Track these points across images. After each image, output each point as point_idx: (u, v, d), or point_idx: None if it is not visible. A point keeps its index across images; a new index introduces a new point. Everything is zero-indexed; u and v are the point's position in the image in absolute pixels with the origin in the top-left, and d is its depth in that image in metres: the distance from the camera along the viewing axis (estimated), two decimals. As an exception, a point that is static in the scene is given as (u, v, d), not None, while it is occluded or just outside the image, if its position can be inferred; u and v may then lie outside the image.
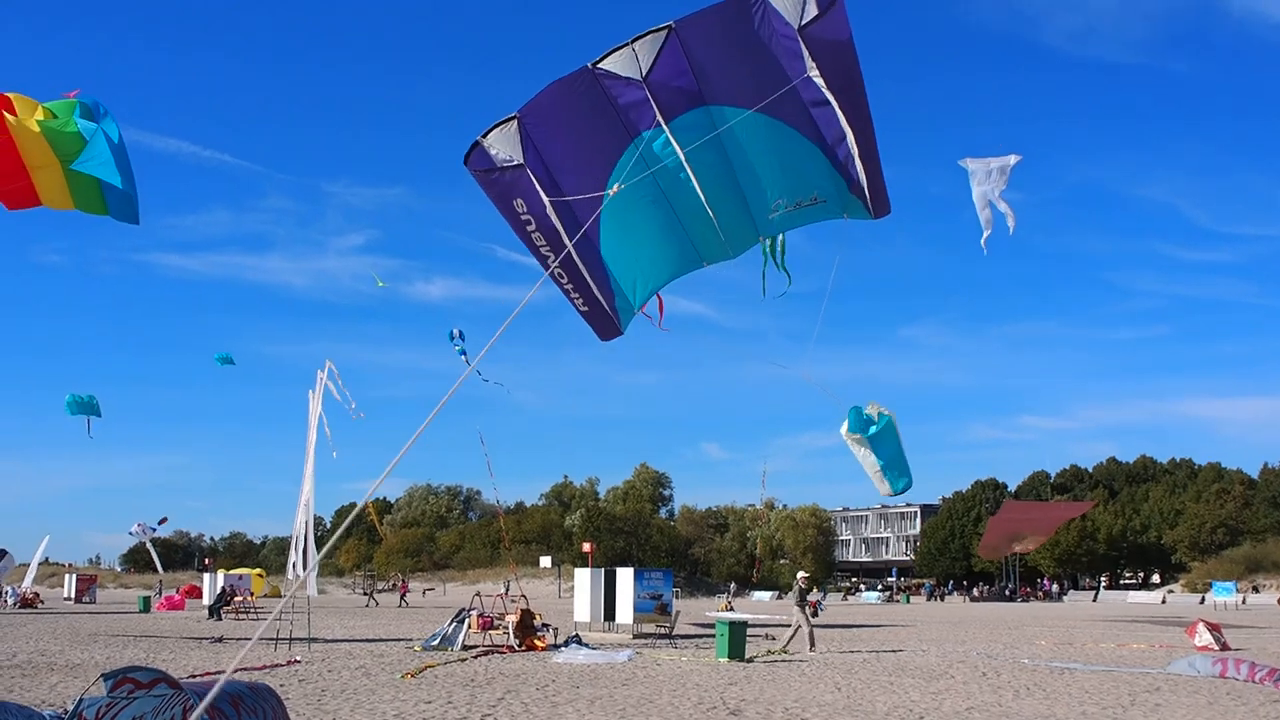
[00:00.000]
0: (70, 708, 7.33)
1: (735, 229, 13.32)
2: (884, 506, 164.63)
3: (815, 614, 29.22)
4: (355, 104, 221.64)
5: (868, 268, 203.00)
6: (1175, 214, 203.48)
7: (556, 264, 12.69)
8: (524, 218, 12.65)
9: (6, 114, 15.97)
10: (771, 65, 11.76)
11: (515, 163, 12.37)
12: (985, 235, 13.66)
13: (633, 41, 11.70)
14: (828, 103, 11.79)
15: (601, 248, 13.08)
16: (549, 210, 12.57)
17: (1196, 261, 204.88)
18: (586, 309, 13.54)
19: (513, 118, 12.20)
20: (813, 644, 28.35)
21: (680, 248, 13.38)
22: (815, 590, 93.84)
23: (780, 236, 21.26)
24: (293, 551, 27.76)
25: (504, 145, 12.35)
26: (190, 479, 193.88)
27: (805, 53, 11.43)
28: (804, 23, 11.26)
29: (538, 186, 12.46)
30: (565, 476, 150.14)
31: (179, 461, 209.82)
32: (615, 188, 12.21)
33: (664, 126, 11.98)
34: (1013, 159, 13.91)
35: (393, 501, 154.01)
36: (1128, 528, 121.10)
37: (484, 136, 12.34)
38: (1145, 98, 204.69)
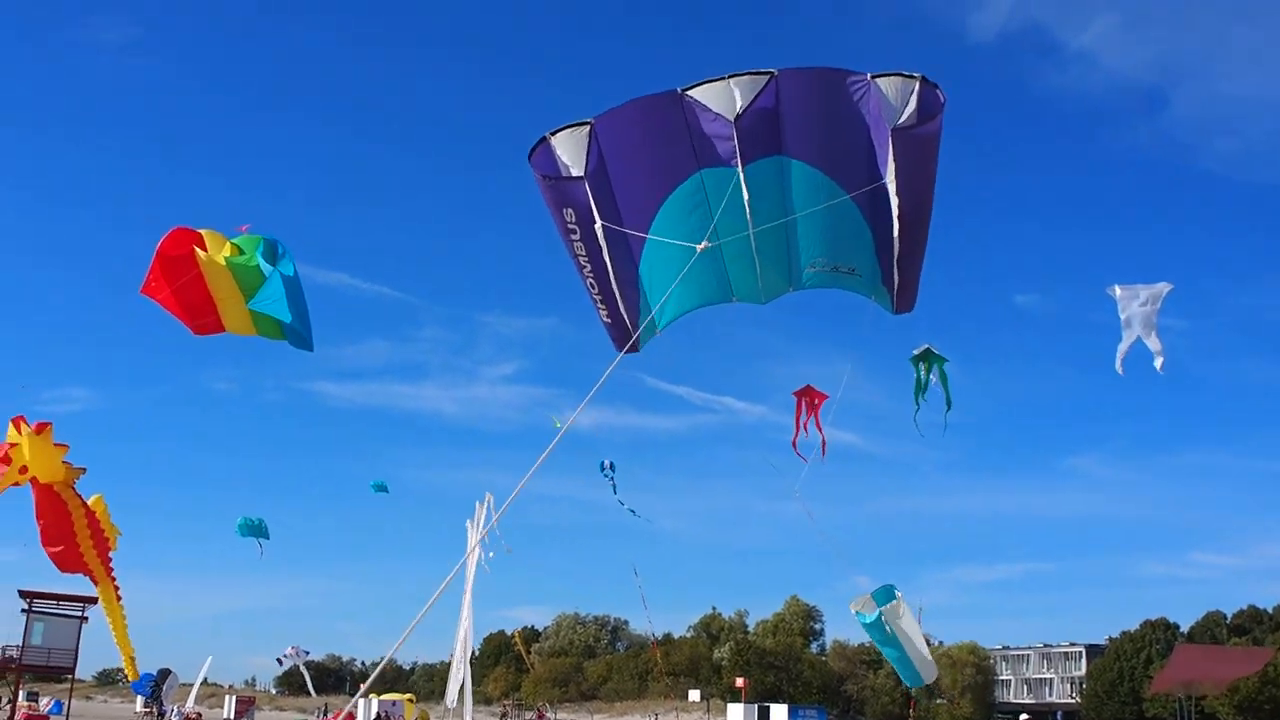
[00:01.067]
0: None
1: (772, 275, 13.57)
2: (1046, 646, 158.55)
3: None
4: (509, 237, 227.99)
5: (1027, 396, 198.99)
6: None
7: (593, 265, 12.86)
8: (570, 226, 12.83)
9: (199, 250, 17.47)
10: (856, 140, 11.97)
11: (575, 175, 12.50)
12: (1119, 361, 13.66)
13: (730, 77, 11.88)
14: (894, 196, 11.95)
15: (641, 266, 13.26)
16: (597, 226, 12.67)
17: None
18: (609, 320, 13.74)
19: (586, 123, 12.36)
20: None
21: (716, 281, 13.56)
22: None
23: (941, 368, 21.15)
24: (452, 681, 27.96)
25: (569, 150, 12.50)
26: (341, 603, 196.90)
27: (891, 146, 11.59)
28: (901, 123, 11.48)
29: (592, 201, 12.60)
30: (714, 608, 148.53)
31: (330, 586, 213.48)
32: (704, 244, 12.38)
33: (740, 169, 12.08)
34: (1164, 287, 13.95)
35: (540, 630, 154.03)
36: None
37: (552, 134, 12.46)
38: None
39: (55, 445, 31.34)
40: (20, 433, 30.84)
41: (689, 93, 11.97)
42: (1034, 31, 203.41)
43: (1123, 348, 13.60)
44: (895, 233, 12.28)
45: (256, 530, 48.59)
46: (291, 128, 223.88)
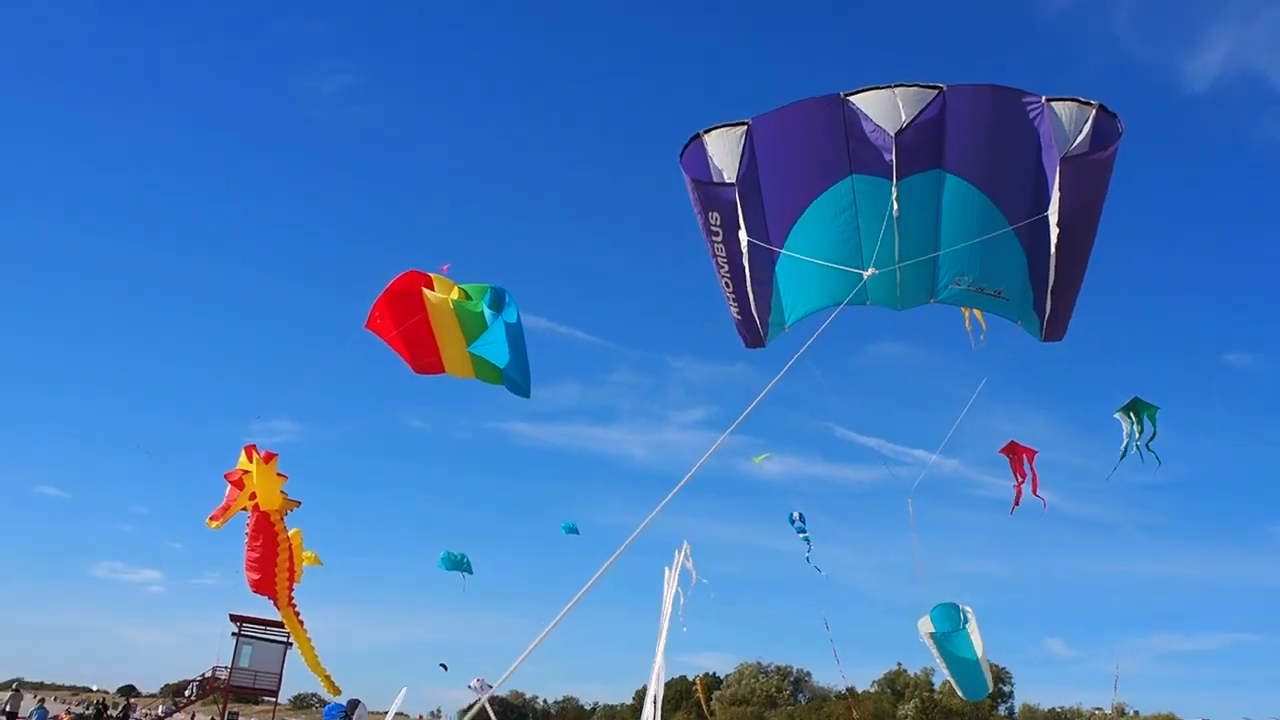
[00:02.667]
0: None
1: (913, 286, 13.20)
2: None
3: None
4: (699, 283, 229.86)
5: (1232, 461, 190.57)
6: None
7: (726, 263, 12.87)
8: (714, 229, 12.82)
9: (427, 291, 18.01)
10: (1021, 163, 11.63)
11: (727, 181, 12.42)
12: None
13: (896, 86, 11.64)
14: (1054, 227, 11.65)
15: (777, 269, 13.12)
16: (741, 234, 12.67)
17: None
18: (739, 317, 13.68)
19: (743, 123, 12.22)
20: None
21: (853, 283, 13.09)
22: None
23: (1153, 416, 20.64)
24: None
25: (723, 151, 12.36)
26: (528, 642, 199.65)
27: (1059, 173, 11.30)
28: (1073, 150, 11.18)
29: (739, 206, 12.52)
30: (899, 663, 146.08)
31: (518, 624, 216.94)
32: (870, 270, 12.29)
33: (894, 182, 11.82)
34: None
35: (722, 678, 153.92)
36: None
37: (706, 132, 12.34)
38: None
39: (278, 475, 32.88)
40: (251, 460, 32.61)
41: (851, 98, 11.79)
42: (1254, 78, 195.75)
43: None
44: (1052, 263, 12.05)
45: (459, 564, 50.10)
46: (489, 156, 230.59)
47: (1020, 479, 22.24)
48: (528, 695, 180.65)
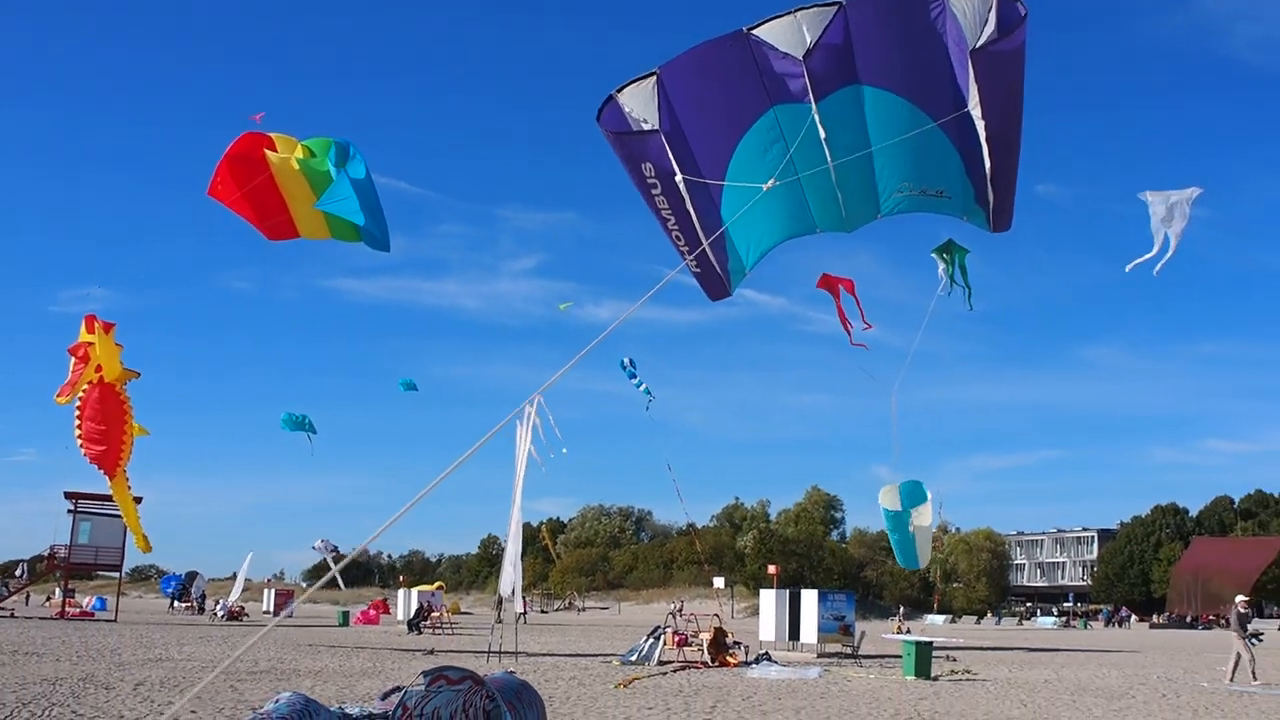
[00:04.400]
0: (393, 697, 9.19)
1: (857, 205, 13.21)
2: (1060, 531, 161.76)
3: (1256, 642, 27.16)
4: (524, 129, 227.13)
5: (1047, 286, 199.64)
6: None
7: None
8: (650, 181, 12.61)
9: (269, 152, 17.51)
10: (935, 64, 11.66)
11: (649, 127, 12.24)
12: (1158, 266, 13.84)
13: (796, 11, 11.54)
14: (979, 117, 11.67)
15: (723, 209, 12.95)
16: (677, 175, 12.40)
17: None
18: (699, 270, 13.56)
19: (652, 74, 12.09)
20: (1255, 675, 26.77)
21: (799, 213, 13.24)
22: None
23: (962, 260, 21.67)
24: (505, 574, 29.80)
25: (639, 104, 12.23)
26: (367, 499, 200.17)
27: (972, 68, 11.32)
28: (981, 42, 11.17)
29: (669, 151, 12.34)
30: (736, 498, 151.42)
31: (356, 483, 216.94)
32: (771, 182, 12.09)
33: (814, 104, 11.77)
34: (1194, 191, 13.87)
35: (566, 521, 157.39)
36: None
37: (619, 91, 12.23)
38: None
39: (115, 344, 31.70)
40: (92, 332, 31.10)
41: (754, 31, 11.75)
42: None
43: (1158, 254, 13.58)
44: (985, 154, 12.04)
45: (301, 425, 49.78)
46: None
47: (843, 311, 22.29)
48: (372, 552, 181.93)
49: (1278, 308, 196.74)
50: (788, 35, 11.68)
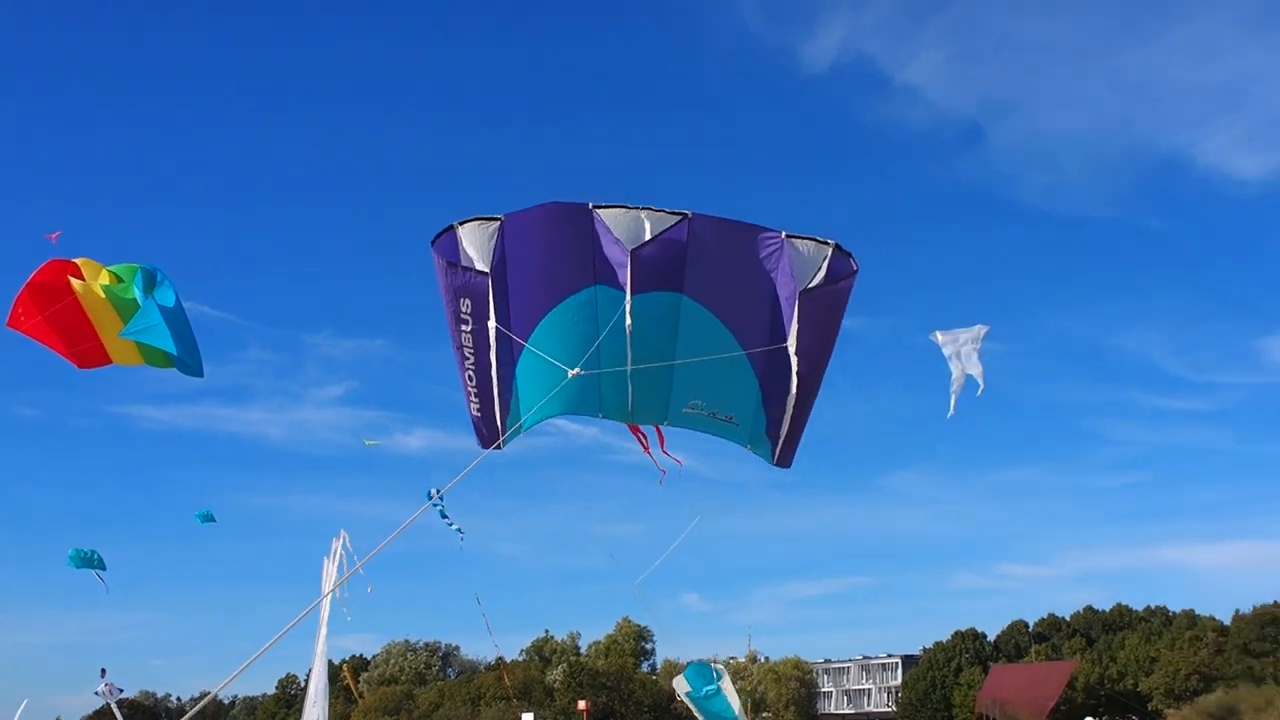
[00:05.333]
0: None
1: (646, 404, 13.52)
2: (865, 658, 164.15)
3: None
4: (335, 254, 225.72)
5: (849, 418, 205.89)
6: (1151, 364, 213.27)
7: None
8: (463, 317, 12.80)
9: (74, 279, 16.92)
10: (760, 295, 12.23)
11: (479, 267, 12.48)
12: (952, 403, 14.02)
13: (643, 209, 12.00)
14: (794, 353, 12.25)
15: (518, 367, 13.11)
16: (490, 320, 12.62)
17: (1174, 409, 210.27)
18: (480, 414, 13.61)
19: (496, 219, 12.37)
20: None
21: (588, 394, 13.44)
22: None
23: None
24: (307, 715, 29.08)
25: (476, 242, 12.46)
26: (158, 637, 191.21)
27: (797, 306, 11.96)
28: (811, 284, 11.93)
29: (490, 296, 12.56)
30: (546, 631, 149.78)
31: (145, 619, 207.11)
32: (576, 370, 12.38)
33: (628, 295, 12.08)
34: (981, 329, 14.45)
35: (369, 658, 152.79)
36: (1105, 676, 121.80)
37: (460, 224, 12.42)
38: (1121, 250, 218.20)
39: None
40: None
41: (599, 210, 12.16)
42: (866, 62, 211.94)
43: (955, 389, 13.84)
44: (792, 392, 12.51)
45: (90, 561, 47.38)
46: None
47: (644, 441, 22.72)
48: (159, 694, 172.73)
49: (1068, 435, 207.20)
50: (628, 225, 12.16)
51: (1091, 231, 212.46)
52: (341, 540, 29.99)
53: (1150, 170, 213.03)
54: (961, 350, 14.19)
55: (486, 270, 12.67)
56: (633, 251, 12.14)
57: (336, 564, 30.01)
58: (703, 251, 12.21)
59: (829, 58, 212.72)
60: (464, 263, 12.72)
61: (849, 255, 12.17)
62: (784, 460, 13.58)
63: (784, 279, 12.15)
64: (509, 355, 13.20)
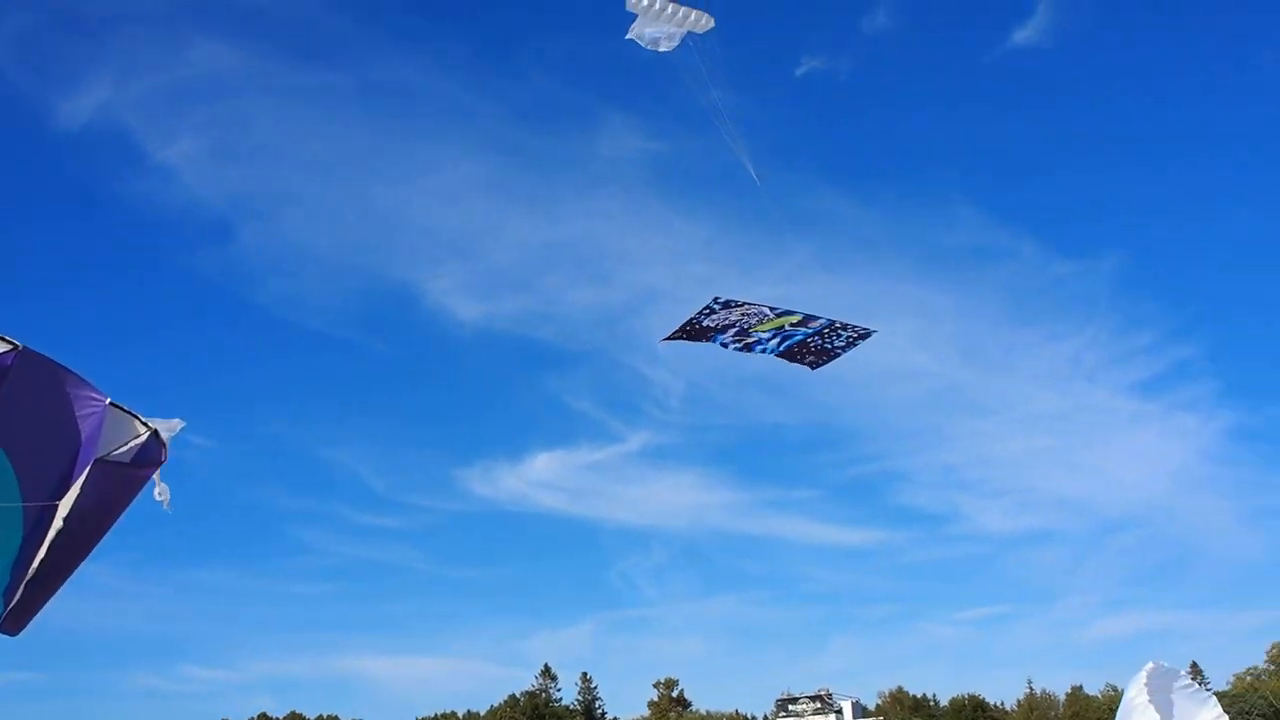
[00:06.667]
0: None
1: None
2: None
3: None
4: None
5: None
6: (357, 479, 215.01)
7: None
8: None
9: None
10: (61, 451, 11.32)
11: None
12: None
13: None
14: (60, 520, 11.33)
15: None
16: None
17: (372, 525, 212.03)
18: None
19: None
20: None
21: None
22: None
23: None
24: None
25: None
26: None
27: (89, 471, 11.22)
28: (113, 456, 11.31)
29: None
30: None
31: None
32: None
33: None
34: (177, 423, 12.13)
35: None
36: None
37: None
38: (347, 368, 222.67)
39: None
40: None
41: None
42: (122, 134, 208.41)
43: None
44: (43, 553, 11.58)
45: None
46: None
47: None
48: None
49: (271, 539, 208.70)
50: None
51: (324, 345, 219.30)
52: None
53: (385, 297, 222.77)
54: None
55: None
56: None
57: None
58: (21, 388, 11.03)
59: (85, 118, 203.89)
60: None
61: (164, 445, 11.74)
62: (13, 625, 12.38)
63: (89, 441, 11.45)
64: None
